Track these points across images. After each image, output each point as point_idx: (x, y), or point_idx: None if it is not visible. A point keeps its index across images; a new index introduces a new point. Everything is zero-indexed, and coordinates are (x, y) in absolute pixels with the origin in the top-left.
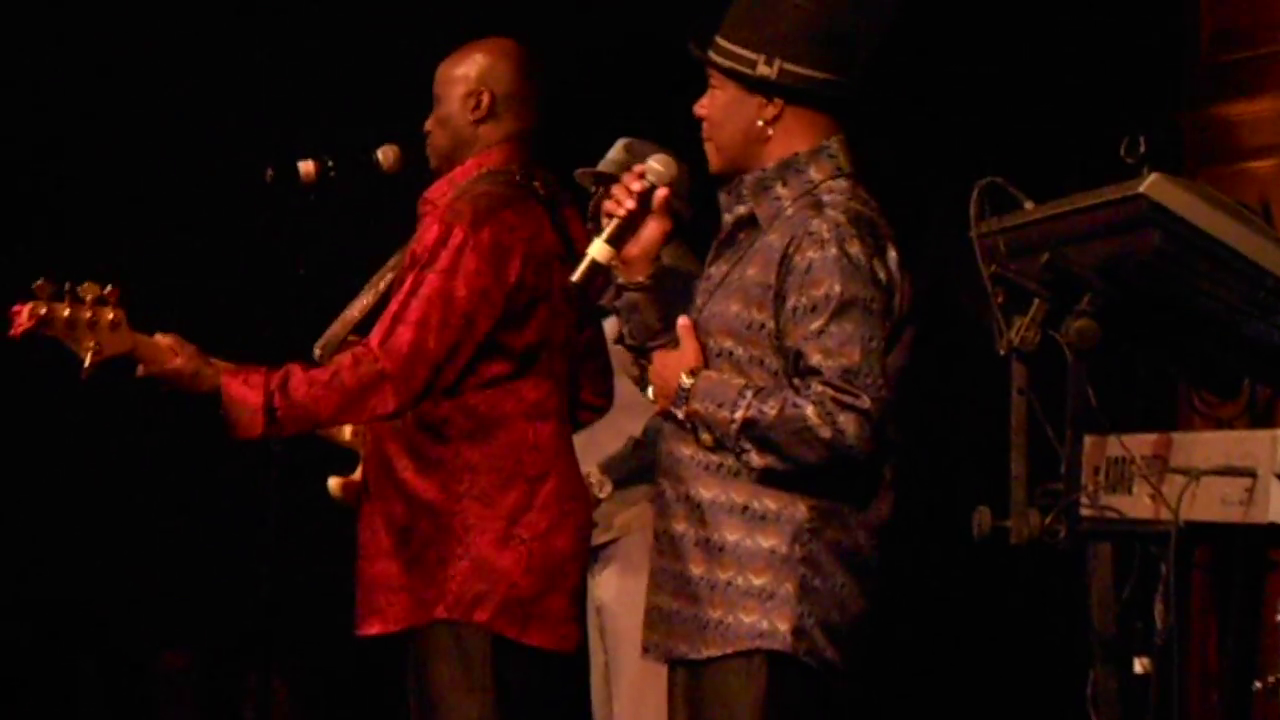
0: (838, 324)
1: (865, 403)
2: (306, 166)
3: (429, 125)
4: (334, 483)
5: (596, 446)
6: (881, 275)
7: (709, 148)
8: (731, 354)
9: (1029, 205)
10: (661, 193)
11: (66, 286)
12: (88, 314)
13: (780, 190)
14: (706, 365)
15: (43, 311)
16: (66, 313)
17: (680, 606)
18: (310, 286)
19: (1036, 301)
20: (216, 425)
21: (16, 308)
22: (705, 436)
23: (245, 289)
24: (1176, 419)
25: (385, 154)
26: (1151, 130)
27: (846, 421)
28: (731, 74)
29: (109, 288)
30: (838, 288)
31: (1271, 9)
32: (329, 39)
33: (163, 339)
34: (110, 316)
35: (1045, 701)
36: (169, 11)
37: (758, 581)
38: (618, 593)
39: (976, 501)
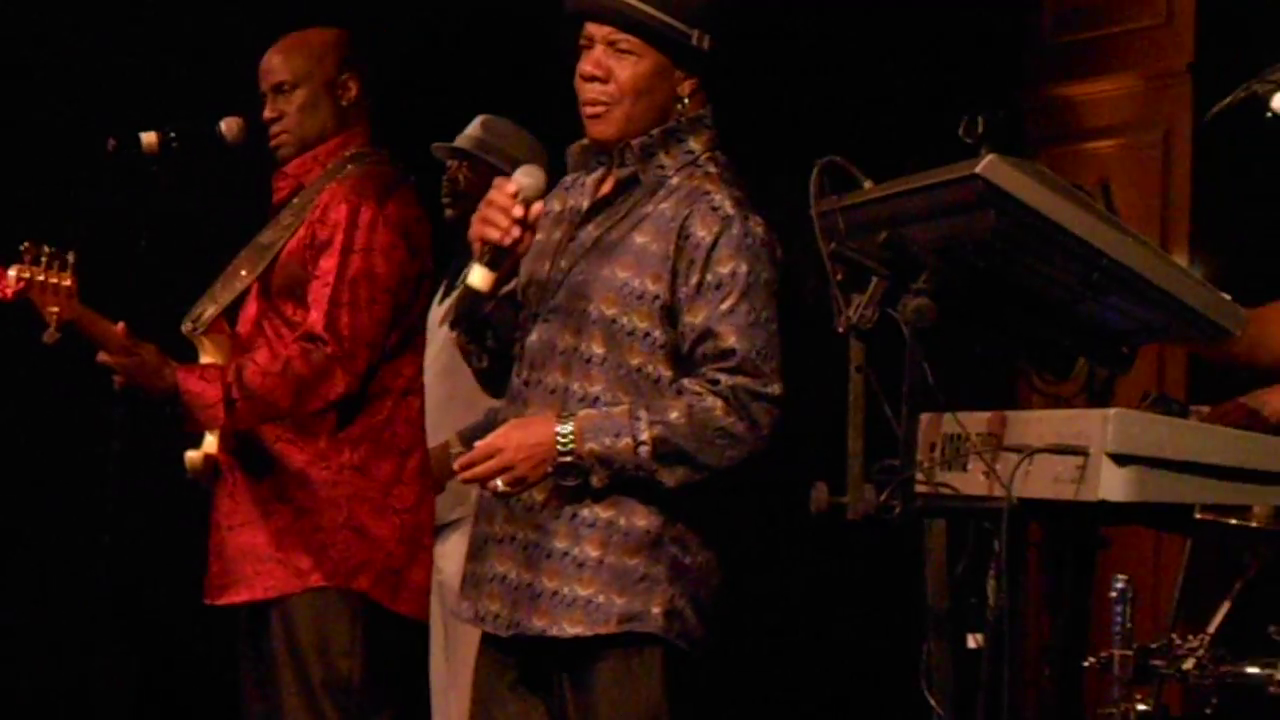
0: (748, 304)
1: (776, 389)
2: (149, 137)
3: (278, 111)
4: (193, 456)
5: (453, 417)
6: (779, 255)
7: (612, 113)
8: (613, 321)
9: (868, 184)
10: (537, 208)
11: (45, 250)
12: (54, 279)
13: (664, 159)
14: (579, 330)
15: (27, 275)
16: (41, 276)
17: (535, 579)
18: (151, 258)
19: (875, 280)
20: (75, 403)
21: None
22: (598, 477)
23: (86, 260)
24: (1017, 398)
25: (229, 125)
26: (992, 110)
27: (759, 411)
28: (667, 44)
29: (70, 254)
30: (744, 267)
31: None
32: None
33: (120, 329)
34: (68, 283)
35: (880, 675)
36: None
37: (630, 562)
38: (461, 566)
39: (815, 476)
